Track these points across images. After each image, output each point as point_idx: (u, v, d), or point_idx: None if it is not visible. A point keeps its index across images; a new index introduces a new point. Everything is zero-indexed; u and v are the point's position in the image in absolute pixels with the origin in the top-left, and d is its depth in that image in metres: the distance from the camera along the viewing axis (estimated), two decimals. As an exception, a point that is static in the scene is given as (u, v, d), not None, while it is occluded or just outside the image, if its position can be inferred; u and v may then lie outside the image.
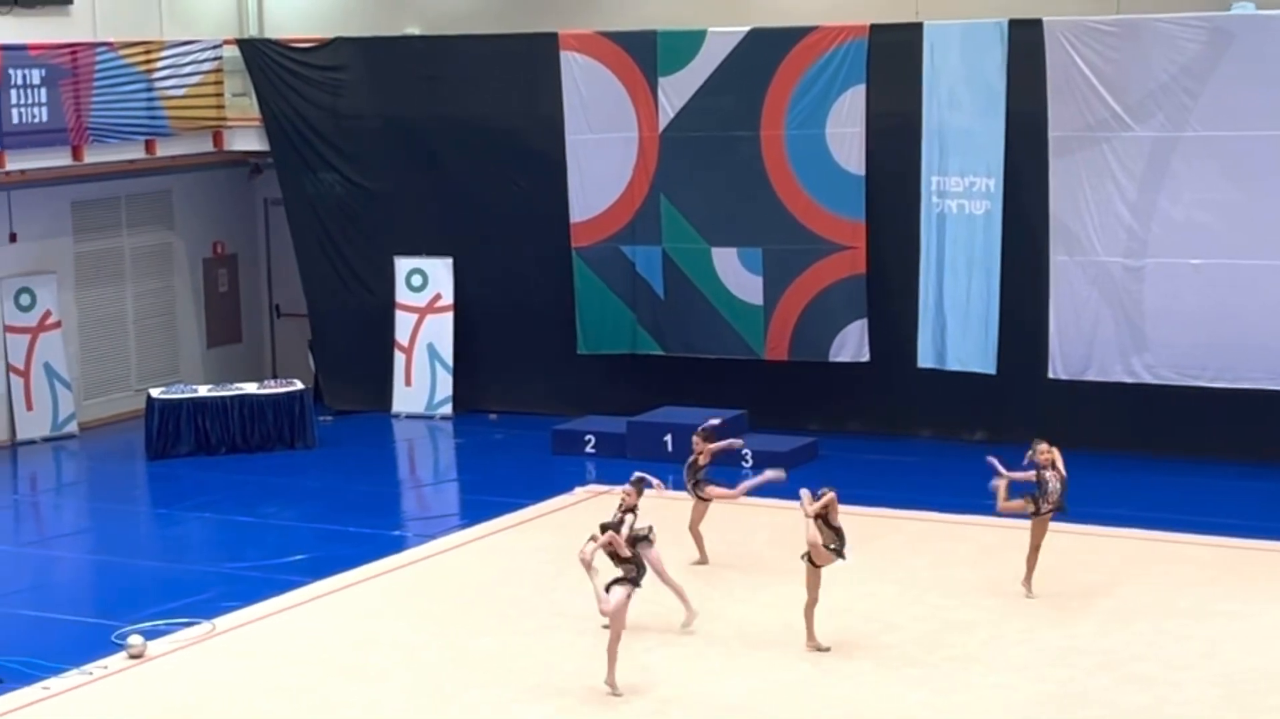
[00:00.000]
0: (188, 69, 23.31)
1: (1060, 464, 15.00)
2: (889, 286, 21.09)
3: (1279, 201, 18.92)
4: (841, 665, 13.29)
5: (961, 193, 20.37)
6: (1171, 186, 19.35)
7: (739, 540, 16.68)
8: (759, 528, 17.23)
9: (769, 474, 15.42)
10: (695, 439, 16.11)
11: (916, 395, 21.40)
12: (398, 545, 17.32)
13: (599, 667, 13.11)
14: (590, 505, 17.91)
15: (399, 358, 23.78)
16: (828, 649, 13.52)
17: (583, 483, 19.44)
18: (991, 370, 20.36)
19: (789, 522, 17.50)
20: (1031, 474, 14.95)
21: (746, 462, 20.13)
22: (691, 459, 16.05)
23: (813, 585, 13.62)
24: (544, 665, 13.40)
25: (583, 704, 12.64)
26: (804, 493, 13.80)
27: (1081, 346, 19.94)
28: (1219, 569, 15.65)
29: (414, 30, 24.96)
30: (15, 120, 21.07)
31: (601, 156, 22.31)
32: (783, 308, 21.56)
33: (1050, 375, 20.13)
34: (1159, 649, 13.52)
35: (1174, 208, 19.38)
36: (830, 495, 13.62)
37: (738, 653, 13.56)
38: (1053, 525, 16.94)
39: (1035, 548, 15.04)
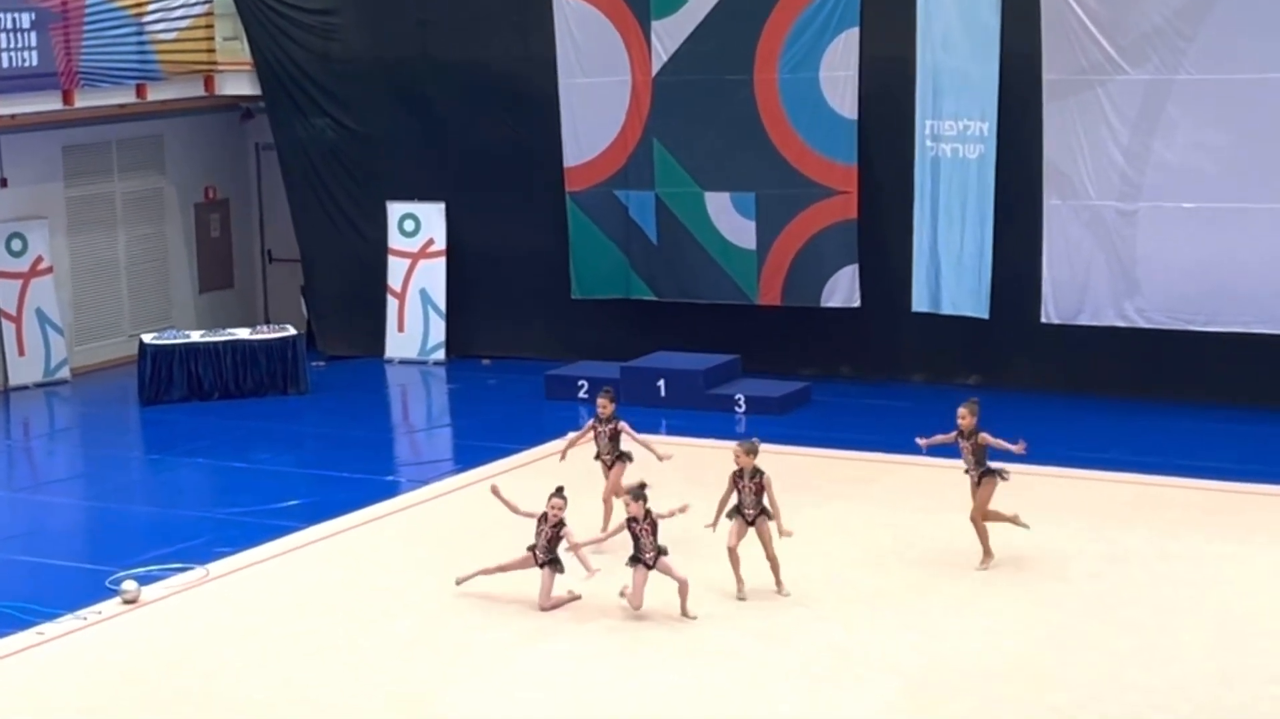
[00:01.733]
0: (178, 12, 23.22)
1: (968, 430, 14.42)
2: (882, 231, 21.06)
3: (1272, 145, 18.87)
4: (832, 610, 13.33)
5: (955, 136, 20.31)
6: (1165, 130, 19.31)
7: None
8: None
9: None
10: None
11: (909, 340, 21.41)
12: (391, 491, 17.33)
13: (595, 610, 13.18)
14: (583, 451, 17.90)
15: (392, 303, 23.76)
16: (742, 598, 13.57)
17: (576, 428, 19.40)
18: (984, 315, 20.34)
19: (789, 466, 17.55)
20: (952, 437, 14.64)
21: (740, 407, 20.17)
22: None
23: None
24: (539, 610, 13.41)
25: (580, 648, 12.68)
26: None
27: (1074, 291, 19.93)
28: (1211, 513, 15.69)
29: (405, -27, 24.84)
30: (5, 64, 20.98)
31: (595, 100, 22.23)
32: (775, 252, 21.53)
33: (1042, 319, 20.13)
34: (1151, 593, 13.56)
35: (1167, 151, 19.34)
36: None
37: (730, 599, 13.58)
38: (1043, 469, 17.02)
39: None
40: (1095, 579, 13.92)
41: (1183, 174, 19.27)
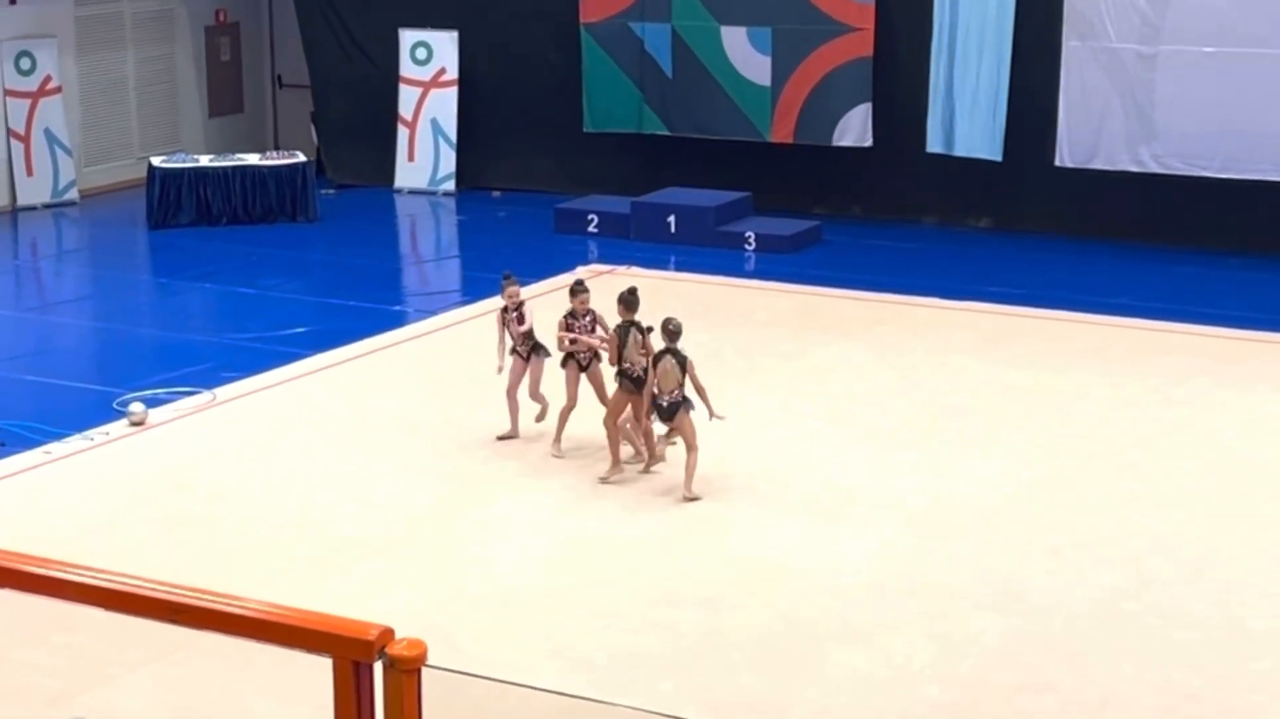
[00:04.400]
0: None
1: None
2: (899, 70, 20.86)
3: (1297, -10, 18.66)
4: (837, 449, 13.34)
5: (976, -26, 20.05)
6: (1188, -28, 19.06)
7: (742, 317, 16.68)
8: (758, 308, 17.24)
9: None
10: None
11: (922, 181, 21.28)
12: (398, 320, 17.33)
13: (598, 445, 13.20)
14: (592, 285, 17.86)
15: (402, 132, 23.60)
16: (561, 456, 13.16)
17: (585, 262, 19.41)
18: (997, 157, 20.21)
19: (797, 305, 17.54)
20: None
21: (750, 244, 20.09)
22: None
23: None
24: (544, 441, 13.44)
25: (579, 482, 12.71)
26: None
27: (1090, 134, 19.77)
28: (1220, 360, 15.66)
29: None
30: (13, -121, 20.69)
31: (611, -71, 21.95)
32: (790, 89, 21.34)
33: (1056, 163, 19.99)
34: (1155, 438, 13.57)
35: (1190, -6, 19.11)
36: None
37: (738, 435, 13.58)
38: (1051, 313, 17.01)
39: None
40: (1100, 423, 13.93)
41: (1204, 17, 19.03)
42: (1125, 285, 18.33)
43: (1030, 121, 20.04)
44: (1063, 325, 16.70)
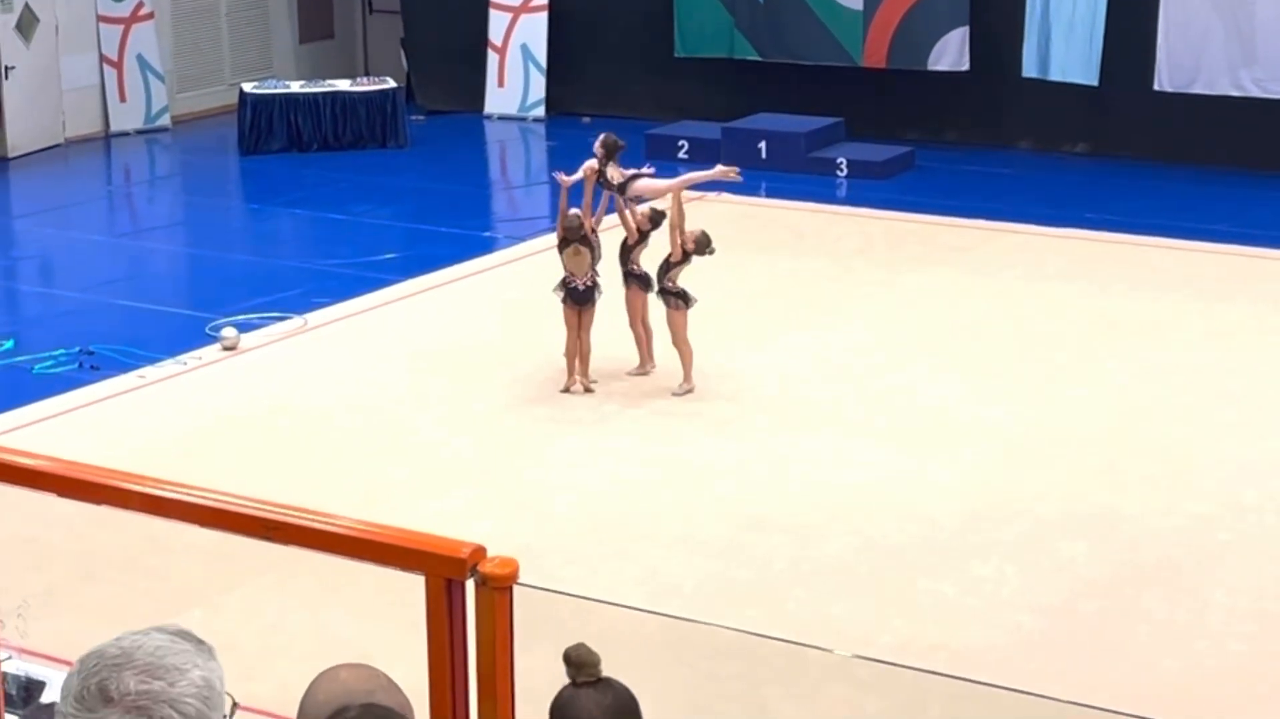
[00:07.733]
0: None
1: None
2: (993, -8, 20.60)
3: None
4: (929, 377, 13.25)
5: (1074, -107, 19.73)
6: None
7: (833, 244, 16.57)
8: (849, 235, 17.13)
9: (720, 170, 13.59)
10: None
11: (1017, 105, 21.01)
12: (488, 246, 17.34)
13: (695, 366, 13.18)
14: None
15: (492, 58, 23.52)
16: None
17: (675, 187, 19.29)
18: (1094, 82, 19.92)
19: (890, 230, 17.41)
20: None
21: (841, 170, 19.93)
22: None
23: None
24: (633, 367, 13.40)
25: (671, 409, 12.70)
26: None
27: (1189, 58, 19.43)
28: (1318, 289, 15.43)
29: None
30: None
31: None
32: (883, 13, 21.08)
33: (1155, 87, 19.68)
34: (1251, 366, 13.39)
35: (1293, -87, 18.73)
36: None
37: (828, 362, 13.53)
38: (1148, 240, 16.81)
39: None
40: (1195, 351, 13.75)
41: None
42: (1222, 212, 18.05)
43: (1127, 45, 19.72)
44: (1158, 252, 16.50)
